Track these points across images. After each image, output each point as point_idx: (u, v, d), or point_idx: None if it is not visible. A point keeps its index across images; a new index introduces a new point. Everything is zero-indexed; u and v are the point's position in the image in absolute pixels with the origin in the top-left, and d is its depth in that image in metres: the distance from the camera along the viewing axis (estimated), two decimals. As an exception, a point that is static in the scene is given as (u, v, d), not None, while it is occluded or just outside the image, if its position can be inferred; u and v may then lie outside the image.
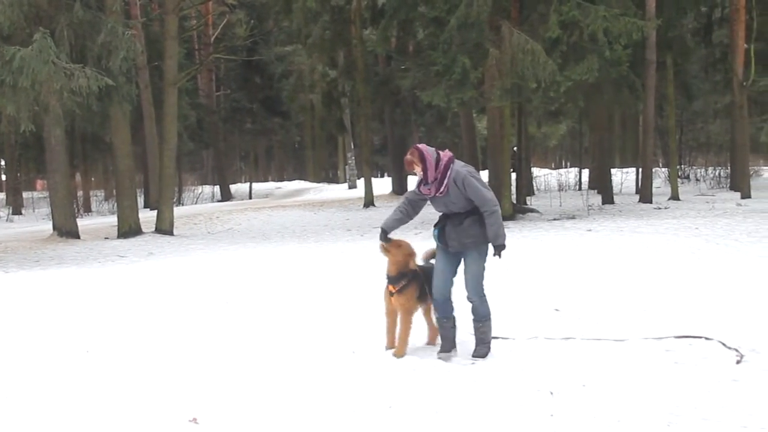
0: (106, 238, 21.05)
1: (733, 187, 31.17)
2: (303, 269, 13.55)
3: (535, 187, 36.75)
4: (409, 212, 7.26)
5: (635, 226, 17.81)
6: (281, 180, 66.81)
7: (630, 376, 6.30)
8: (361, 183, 38.16)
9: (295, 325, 8.73)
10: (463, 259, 7.08)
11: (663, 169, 38.25)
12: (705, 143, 46.78)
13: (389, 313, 7.41)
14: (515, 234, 17.82)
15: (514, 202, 24.37)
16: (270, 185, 57.75)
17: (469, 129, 29.19)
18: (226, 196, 47.17)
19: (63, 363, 7.25)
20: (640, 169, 28.79)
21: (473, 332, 7.26)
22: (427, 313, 7.60)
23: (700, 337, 7.40)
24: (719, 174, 36.70)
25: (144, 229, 21.48)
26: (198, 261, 15.40)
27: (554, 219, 21.59)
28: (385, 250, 7.22)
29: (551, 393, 5.94)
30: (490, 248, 6.99)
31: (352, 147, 46.39)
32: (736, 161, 30.99)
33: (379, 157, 57.61)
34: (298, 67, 44.34)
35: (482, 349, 7.14)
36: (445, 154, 6.96)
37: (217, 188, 49.17)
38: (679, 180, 31.51)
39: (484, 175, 29.88)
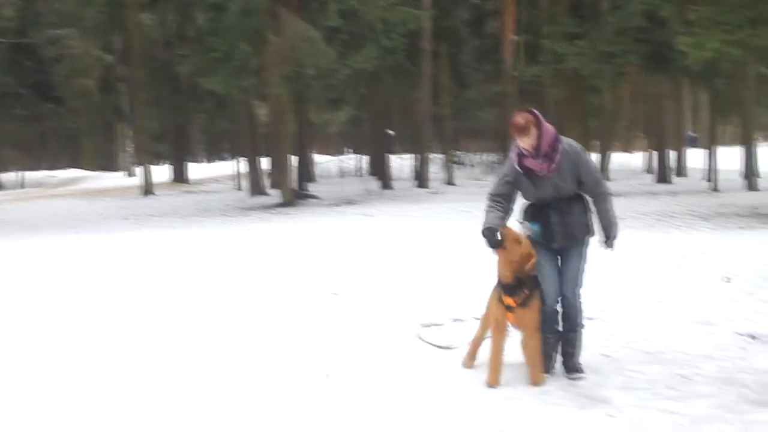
0: None
1: (506, 173, 32.67)
2: (73, 261, 13.02)
3: (315, 174, 37.05)
4: (507, 208, 5.97)
5: (411, 209, 18.40)
6: (55, 168, 63.89)
7: (402, 360, 6.50)
8: (139, 171, 37.16)
9: (58, 321, 8.36)
10: (560, 257, 5.97)
11: (439, 156, 39.56)
12: (478, 130, 48.57)
13: (499, 329, 5.94)
14: (294, 219, 17.99)
15: (294, 188, 24.49)
16: (43, 174, 55.19)
17: (250, 116, 29.05)
18: (-6, 185, 44.71)
19: None
20: (417, 156, 29.69)
21: (560, 345, 6.07)
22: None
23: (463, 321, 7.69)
24: (492, 160, 38.39)
25: None
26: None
27: (334, 205, 21.92)
28: (500, 246, 5.80)
29: (327, 375, 6.04)
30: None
31: (131, 134, 45.19)
32: (507, 147, 32.51)
33: (158, 145, 56.22)
34: (71, 51, 42.51)
35: (578, 364, 5.99)
36: (549, 124, 5.79)
37: (-16, 177, 46.47)
38: (454, 165, 32.72)
39: (265, 162, 29.96)
